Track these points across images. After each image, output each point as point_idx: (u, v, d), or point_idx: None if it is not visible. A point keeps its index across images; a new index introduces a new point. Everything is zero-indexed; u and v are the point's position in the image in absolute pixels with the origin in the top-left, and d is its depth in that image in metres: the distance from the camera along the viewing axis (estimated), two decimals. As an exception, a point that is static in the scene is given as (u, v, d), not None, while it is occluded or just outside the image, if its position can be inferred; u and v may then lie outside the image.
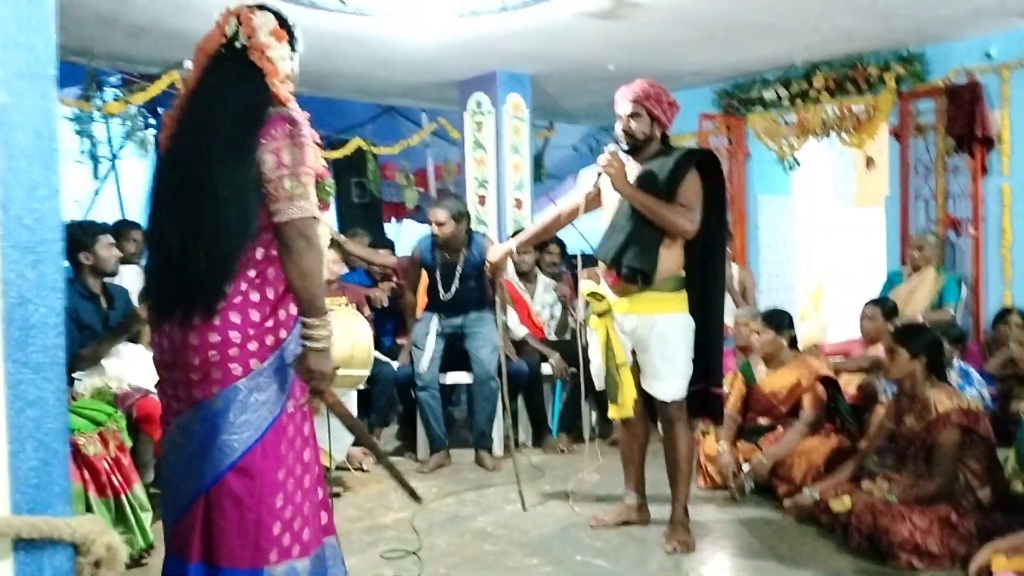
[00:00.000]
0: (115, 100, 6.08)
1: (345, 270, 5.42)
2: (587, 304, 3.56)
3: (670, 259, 3.39)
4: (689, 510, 3.58)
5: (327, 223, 2.34)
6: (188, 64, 6.33)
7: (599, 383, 3.63)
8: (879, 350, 4.43)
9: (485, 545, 3.53)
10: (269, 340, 2.20)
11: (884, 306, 4.66)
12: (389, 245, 5.73)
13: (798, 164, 6.79)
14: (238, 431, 2.15)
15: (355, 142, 7.11)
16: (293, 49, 2.32)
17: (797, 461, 3.97)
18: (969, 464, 3.38)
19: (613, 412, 3.56)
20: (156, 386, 2.33)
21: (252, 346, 2.17)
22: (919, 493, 3.35)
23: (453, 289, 4.86)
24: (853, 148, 6.52)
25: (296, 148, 2.14)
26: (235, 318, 2.16)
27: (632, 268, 3.35)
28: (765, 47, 5.94)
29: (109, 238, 3.97)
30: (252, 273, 2.19)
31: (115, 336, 3.86)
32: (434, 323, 4.90)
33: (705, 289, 3.45)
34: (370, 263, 5.34)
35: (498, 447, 4.97)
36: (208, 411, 2.15)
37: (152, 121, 10.84)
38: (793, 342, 4.34)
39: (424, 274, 5.04)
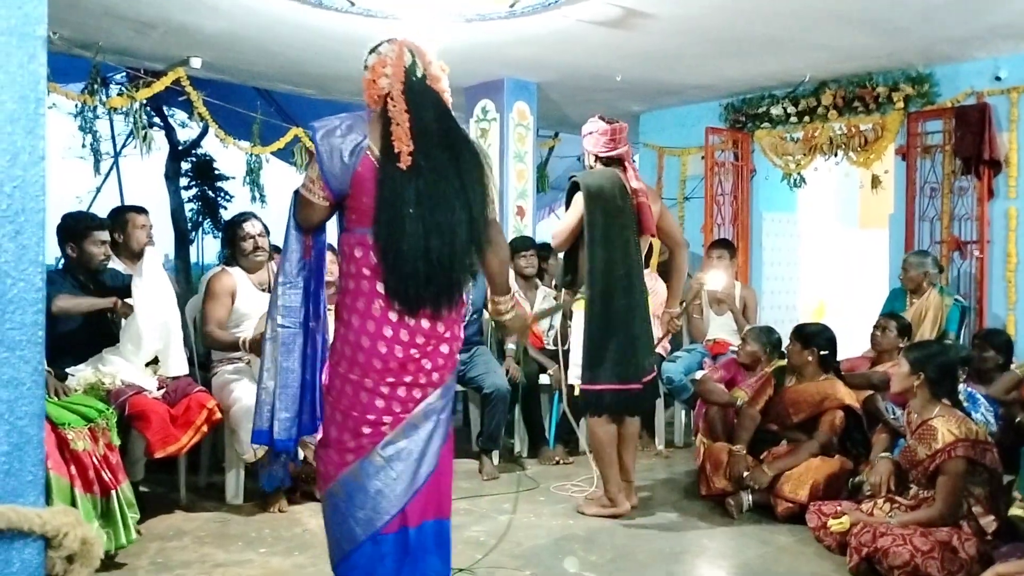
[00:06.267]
0: (120, 95, 6.04)
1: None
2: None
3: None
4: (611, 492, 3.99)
5: None
6: (195, 61, 6.27)
7: None
8: (887, 367, 4.37)
9: (476, 555, 3.46)
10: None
11: (900, 321, 4.61)
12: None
13: (804, 182, 6.75)
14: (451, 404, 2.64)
15: (360, 145, 7.05)
16: None
17: (797, 479, 3.90)
18: (973, 491, 3.31)
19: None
20: (394, 376, 2.48)
21: (460, 343, 2.65)
22: (921, 517, 3.29)
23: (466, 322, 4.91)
24: (859, 167, 6.48)
25: (489, 163, 2.64)
26: (462, 313, 2.62)
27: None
28: (774, 63, 5.91)
29: (102, 234, 3.91)
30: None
31: (97, 301, 3.80)
32: None
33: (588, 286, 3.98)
34: None
35: (495, 457, 4.90)
36: (447, 390, 2.57)
37: (156, 119, 10.88)
38: (823, 362, 4.23)
39: None
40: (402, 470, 2.47)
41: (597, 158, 4.05)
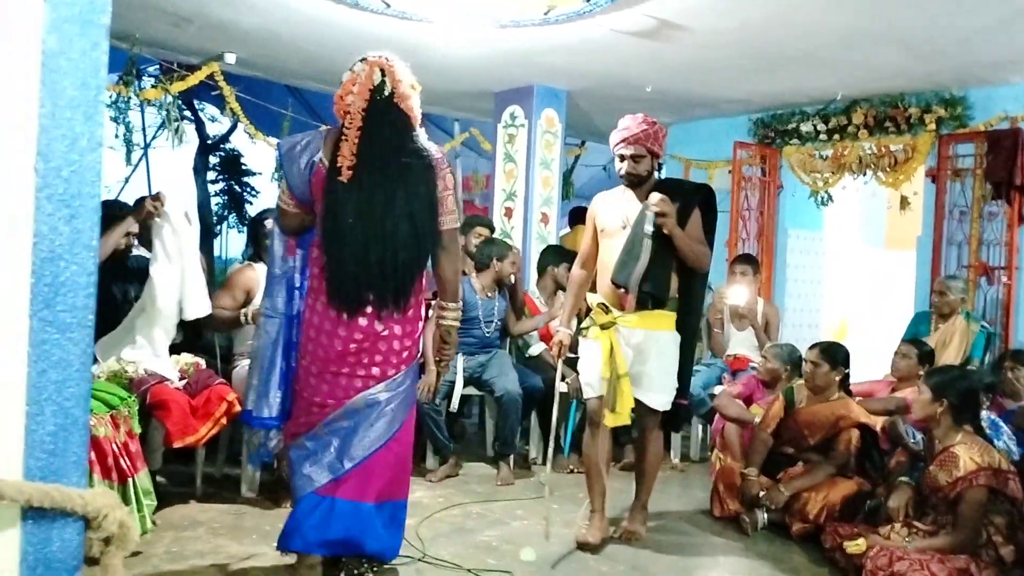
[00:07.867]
0: (153, 87, 6.09)
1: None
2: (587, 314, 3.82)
3: (674, 283, 3.73)
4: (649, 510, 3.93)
5: None
6: (229, 57, 6.30)
7: (592, 391, 3.70)
8: (906, 392, 4.33)
9: (489, 559, 3.46)
10: (417, 347, 2.95)
11: (921, 348, 4.55)
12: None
13: (831, 200, 6.72)
14: (411, 400, 2.96)
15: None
16: None
17: (813, 498, 3.88)
18: (993, 520, 3.28)
19: (610, 420, 3.67)
20: (335, 366, 2.80)
21: (413, 342, 2.92)
22: (939, 543, 3.26)
23: (492, 327, 4.97)
24: (888, 187, 6.44)
25: (452, 176, 2.89)
26: (411, 315, 2.86)
27: (649, 293, 3.61)
28: (806, 79, 5.89)
29: (128, 224, 3.92)
30: (417, 282, 2.85)
31: (121, 222, 3.78)
32: (460, 364, 4.84)
33: (689, 310, 3.81)
34: None
35: (510, 463, 4.89)
36: (395, 384, 2.84)
37: (187, 112, 10.95)
38: (844, 382, 4.21)
39: None
40: (337, 446, 2.81)
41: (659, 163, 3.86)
